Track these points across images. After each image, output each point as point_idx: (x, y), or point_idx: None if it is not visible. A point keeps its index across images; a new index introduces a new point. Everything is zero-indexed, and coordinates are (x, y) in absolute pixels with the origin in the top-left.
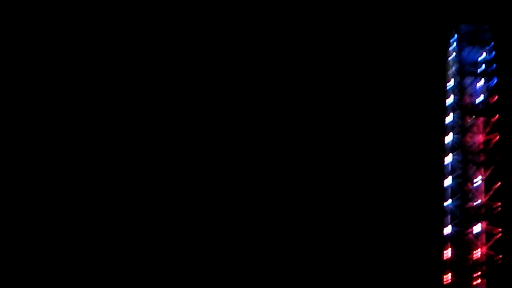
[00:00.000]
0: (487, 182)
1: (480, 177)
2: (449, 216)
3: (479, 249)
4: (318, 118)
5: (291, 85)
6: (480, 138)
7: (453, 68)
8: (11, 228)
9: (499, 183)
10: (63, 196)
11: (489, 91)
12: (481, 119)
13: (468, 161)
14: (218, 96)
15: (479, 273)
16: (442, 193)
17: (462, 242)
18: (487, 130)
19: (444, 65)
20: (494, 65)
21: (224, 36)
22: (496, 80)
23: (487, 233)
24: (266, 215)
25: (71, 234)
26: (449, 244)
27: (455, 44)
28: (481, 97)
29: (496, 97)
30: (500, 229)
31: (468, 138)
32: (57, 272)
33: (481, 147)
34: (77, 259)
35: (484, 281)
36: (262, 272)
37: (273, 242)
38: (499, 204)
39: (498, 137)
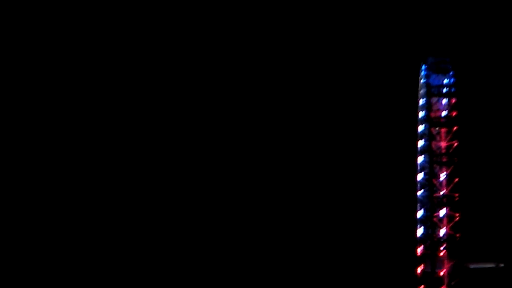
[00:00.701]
0: (449, 177)
1: (443, 173)
2: (420, 204)
3: (443, 229)
4: (308, 122)
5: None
6: (443, 144)
7: (423, 90)
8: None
9: (458, 179)
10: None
11: (450, 108)
12: (444, 129)
13: (434, 162)
14: (217, 96)
15: (443, 246)
16: (415, 186)
17: (430, 224)
18: (449, 137)
19: (417, 88)
20: (453, 88)
21: (224, 36)
22: (455, 100)
23: (449, 217)
24: (250, 214)
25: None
26: (421, 225)
27: (424, 72)
28: (444, 113)
29: (455, 112)
30: (458, 214)
31: (434, 144)
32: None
33: (444, 151)
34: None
35: (447, 252)
36: (251, 269)
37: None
38: (458, 194)
39: (457, 143)
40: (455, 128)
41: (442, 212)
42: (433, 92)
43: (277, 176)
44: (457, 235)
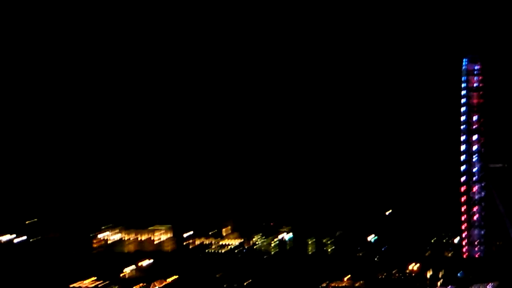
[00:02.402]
0: (479, 118)
1: (476, 116)
2: (462, 133)
3: (476, 145)
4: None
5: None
6: (475, 100)
7: (464, 72)
8: None
9: (483, 119)
10: None
11: (479, 81)
12: (476, 93)
13: (471, 109)
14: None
15: (475, 155)
16: (460, 123)
17: (468, 143)
18: (478, 97)
19: (461, 70)
20: (480, 71)
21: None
22: (482, 77)
23: (479, 140)
24: None
25: None
26: (463, 144)
27: (465, 62)
28: (475, 84)
29: (482, 84)
30: (483, 138)
31: (470, 100)
32: None
33: (476, 104)
34: None
35: (477, 159)
36: None
37: None
38: (483, 128)
39: (482, 100)
40: (481, 92)
41: (475, 137)
42: (470, 72)
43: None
44: (483, 149)
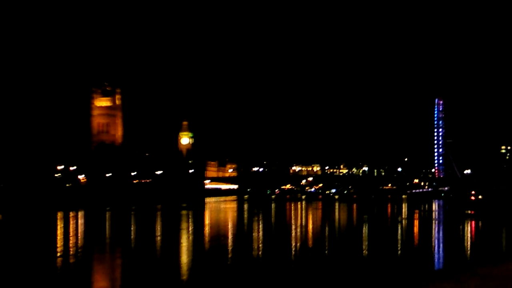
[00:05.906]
0: (443, 122)
1: (441, 121)
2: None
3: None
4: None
5: None
6: (441, 115)
7: (435, 103)
8: None
9: (444, 123)
10: None
11: (443, 108)
12: (440, 112)
13: (439, 119)
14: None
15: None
16: (434, 124)
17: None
18: (443, 113)
19: (434, 105)
20: (443, 104)
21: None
22: (443, 106)
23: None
24: None
25: None
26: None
27: (436, 99)
28: (440, 108)
29: (443, 109)
30: (444, 130)
31: (438, 115)
32: None
33: (441, 116)
34: None
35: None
36: None
37: None
38: (444, 125)
39: (444, 115)
40: (443, 111)
41: (440, 129)
42: (438, 104)
43: None
44: (444, 134)
